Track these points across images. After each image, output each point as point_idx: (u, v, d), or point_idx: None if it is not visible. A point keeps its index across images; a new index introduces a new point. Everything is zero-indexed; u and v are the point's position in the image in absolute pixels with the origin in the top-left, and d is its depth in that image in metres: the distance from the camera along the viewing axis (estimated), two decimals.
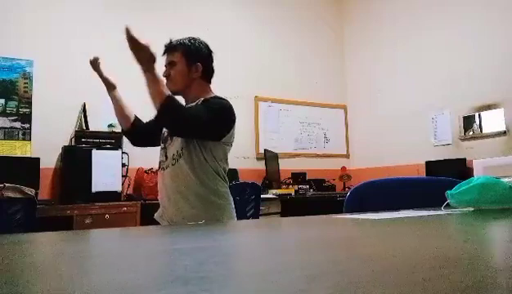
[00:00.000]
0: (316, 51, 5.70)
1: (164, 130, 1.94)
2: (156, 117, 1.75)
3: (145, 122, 2.11)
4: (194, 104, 1.85)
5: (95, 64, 1.98)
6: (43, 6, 4.17)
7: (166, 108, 1.68)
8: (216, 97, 1.90)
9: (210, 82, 1.99)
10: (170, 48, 1.93)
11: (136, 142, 2.14)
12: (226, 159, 1.87)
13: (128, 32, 1.72)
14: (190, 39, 1.95)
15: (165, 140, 1.91)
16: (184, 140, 1.79)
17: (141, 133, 2.07)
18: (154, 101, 1.72)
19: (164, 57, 1.96)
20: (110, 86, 2.06)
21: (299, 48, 5.51)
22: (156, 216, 1.90)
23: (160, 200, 1.88)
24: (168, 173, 1.83)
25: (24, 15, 4.08)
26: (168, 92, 1.71)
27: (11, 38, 4.02)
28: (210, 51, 1.99)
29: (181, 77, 1.89)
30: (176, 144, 1.82)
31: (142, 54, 1.75)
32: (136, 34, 1.73)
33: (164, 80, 1.85)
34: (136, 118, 2.11)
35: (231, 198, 1.88)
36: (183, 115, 1.72)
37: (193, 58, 1.90)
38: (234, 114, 1.86)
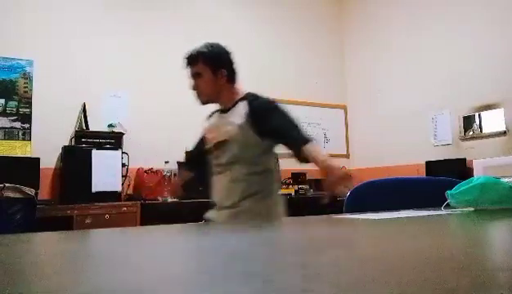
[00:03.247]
0: (316, 51, 5.69)
1: (208, 144, 1.96)
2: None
3: (193, 150, 2.19)
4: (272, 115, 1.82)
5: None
6: (43, 6, 4.17)
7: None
8: (253, 95, 1.92)
9: (236, 82, 1.97)
10: (191, 60, 1.90)
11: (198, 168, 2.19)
12: (277, 164, 1.91)
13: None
14: (207, 46, 1.92)
15: (212, 151, 1.94)
16: (238, 147, 1.82)
17: (199, 163, 2.10)
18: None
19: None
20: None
21: (299, 48, 5.51)
22: (207, 215, 1.93)
23: (216, 202, 1.92)
24: (222, 178, 1.87)
25: (24, 15, 4.08)
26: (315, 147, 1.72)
27: (11, 38, 4.02)
28: (229, 53, 1.97)
29: (210, 86, 1.89)
30: (228, 152, 1.84)
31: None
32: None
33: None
34: (192, 161, 2.20)
35: (280, 195, 1.92)
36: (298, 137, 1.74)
37: (216, 65, 1.89)
38: None
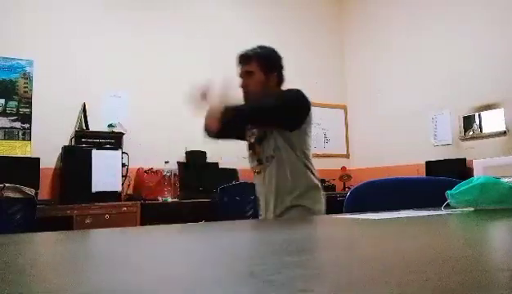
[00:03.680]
0: (316, 51, 5.69)
1: (250, 138, 2.00)
2: (231, 123, 1.83)
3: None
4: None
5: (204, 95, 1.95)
6: (43, 6, 4.18)
7: (239, 113, 1.81)
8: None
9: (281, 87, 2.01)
10: (245, 58, 1.92)
11: (217, 137, 2.13)
12: (311, 153, 1.94)
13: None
14: (262, 48, 1.96)
15: (253, 146, 1.98)
16: (275, 143, 1.86)
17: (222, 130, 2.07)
18: (219, 118, 1.80)
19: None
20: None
21: (299, 48, 5.51)
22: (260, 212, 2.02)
23: (261, 201, 1.98)
24: (262, 176, 1.92)
25: (25, 15, 4.08)
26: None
27: (11, 38, 4.02)
28: (281, 58, 1.99)
29: (260, 87, 1.90)
30: (266, 149, 1.89)
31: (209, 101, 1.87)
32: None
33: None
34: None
35: (321, 190, 1.95)
36: (255, 108, 1.83)
37: (269, 67, 1.92)
38: (307, 100, 1.88)
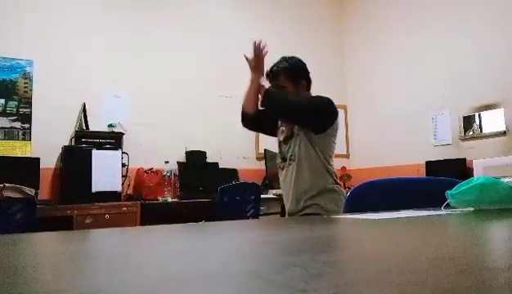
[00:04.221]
0: (316, 51, 5.68)
1: (280, 136, 2.13)
2: (264, 105, 2.00)
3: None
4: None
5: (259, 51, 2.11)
6: (43, 6, 4.17)
7: (270, 95, 1.96)
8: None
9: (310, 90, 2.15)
10: (274, 74, 2.08)
11: (251, 125, 2.28)
12: (333, 157, 2.05)
13: (257, 49, 2.05)
14: (286, 60, 2.10)
15: (280, 144, 2.12)
16: (299, 144, 1.99)
17: (257, 118, 2.21)
18: (256, 96, 2.03)
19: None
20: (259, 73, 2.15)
21: (299, 48, 5.47)
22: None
23: (283, 195, 2.12)
24: (286, 173, 2.05)
25: (24, 15, 4.08)
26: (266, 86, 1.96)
27: (11, 38, 4.02)
28: (305, 64, 2.14)
29: None
30: (292, 147, 2.02)
31: (260, 66, 2.06)
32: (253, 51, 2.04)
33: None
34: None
35: (341, 191, 2.03)
36: (287, 100, 1.96)
37: (297, 77, 2.07)
38: (336, 108, 2.04)
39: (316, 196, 1.95)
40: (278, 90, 2.04)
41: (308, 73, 2.12)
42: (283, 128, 2.11)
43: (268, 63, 2.15)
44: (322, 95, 2.04)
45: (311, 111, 1.96)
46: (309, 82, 2.12)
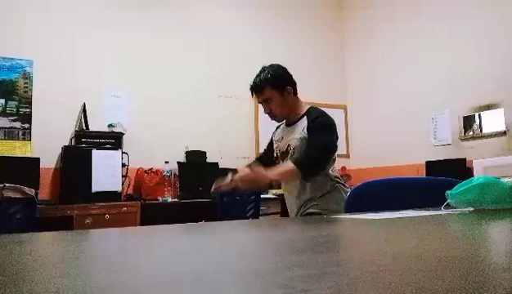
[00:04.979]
0: (316, 51, 5.69)
1: (277, 153, 2.15)
2: (307, 179, 1.97)
3: (260, 157, 2.39)
4: (301, 133, 2.00)
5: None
6: (44, 6, 4.17)
7: (304, 172, 1.91)
8: (315, 111, 2.04)
9: (297, 93, 2.13)
10: (258, 88, 2.05)
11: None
12: (335, 160, 2.07)
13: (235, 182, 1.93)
14: (268, 70, 2.05)
15: (277, 159, 2.14)
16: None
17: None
18: (290, 178, 2.01)
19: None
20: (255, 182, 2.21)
21: (299, 48, 5.51)
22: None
23: (287, 203, 2.16)
24: (289, 187, 2.09)
25: (25, 15, 4.08)
26: (289, 167, 1.91)
27: (11, 38, 4.02)
28: (286, 69, 2.12)
29: (281, 107, 2.05)
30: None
31: (255, 184, 2.01)
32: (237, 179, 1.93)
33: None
34: (261, 160, 2.32)
35: (342, 188, 2.05)
36: (317, 164, 1.95)
37: (281, 85, 2.03)
38: (335, 128, 2.01)
39: (318, 199, 1.98)
40: (266, 105, 2.04)
41: (291, 76, 2.09)
42: (276, 145, 2.15)
43: (268, 64, 2.14)
44: (324, 115, 2.01)
45: (328, 152, 1.97)
46: (294, 85, 2.08)
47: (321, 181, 1.99)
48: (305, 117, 2.02)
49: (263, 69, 2.06)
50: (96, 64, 4.31)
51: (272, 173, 1.92)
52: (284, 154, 2.06)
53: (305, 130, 1.97)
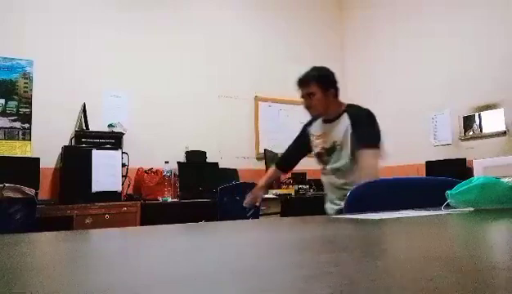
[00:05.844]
0: (316, 51, 5.69)
1: (318, 149, 2.31)
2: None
3: (287, 153, 2.57)
4: (345, 126, 2.18)
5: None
6: (44, 6, 4.18)
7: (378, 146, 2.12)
8: (356, 106, 2.25)
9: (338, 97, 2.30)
10: (305, 82, 2.24)
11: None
12: None
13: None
14: (317, 69, 2.26)
15: (321, 156, 2.30)
16: (343, 158, 2.17)
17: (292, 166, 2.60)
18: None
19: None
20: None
21: (299, 48, 5.51)
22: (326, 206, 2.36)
23: (328, 195, 2.32)
24: (329, 177, 2.25)
25: (25, 15, 4.08)
26: (367, 156, 2.07)
27: (11, 38, 4.02)
28: (334, 74, 2.29)
29: (322, 104, 2.22)
30: (334, 160, 2.21)
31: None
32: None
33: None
34: (283, 167, 2.60)
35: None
36: (379, 138, 2.15)
37: (326, 85, 2.22)
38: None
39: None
40: (308, 98, 2.21)
41: (336, 81, 2.26)
42: (318, 141, 2.28)
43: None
44: (365, 109, 2.21)
45: (377, 141, 2.15)
46: (337, 90, 2.25)
47: (356, 178, 2.07)
48: (345, 113, 2.19)
49: (314, 68, 2.26)
50: (96, 64, 4.31)
51: (365, 176, 1.97)
52: (330, 150, 2.20)
53: (348, 126, 2.14)
